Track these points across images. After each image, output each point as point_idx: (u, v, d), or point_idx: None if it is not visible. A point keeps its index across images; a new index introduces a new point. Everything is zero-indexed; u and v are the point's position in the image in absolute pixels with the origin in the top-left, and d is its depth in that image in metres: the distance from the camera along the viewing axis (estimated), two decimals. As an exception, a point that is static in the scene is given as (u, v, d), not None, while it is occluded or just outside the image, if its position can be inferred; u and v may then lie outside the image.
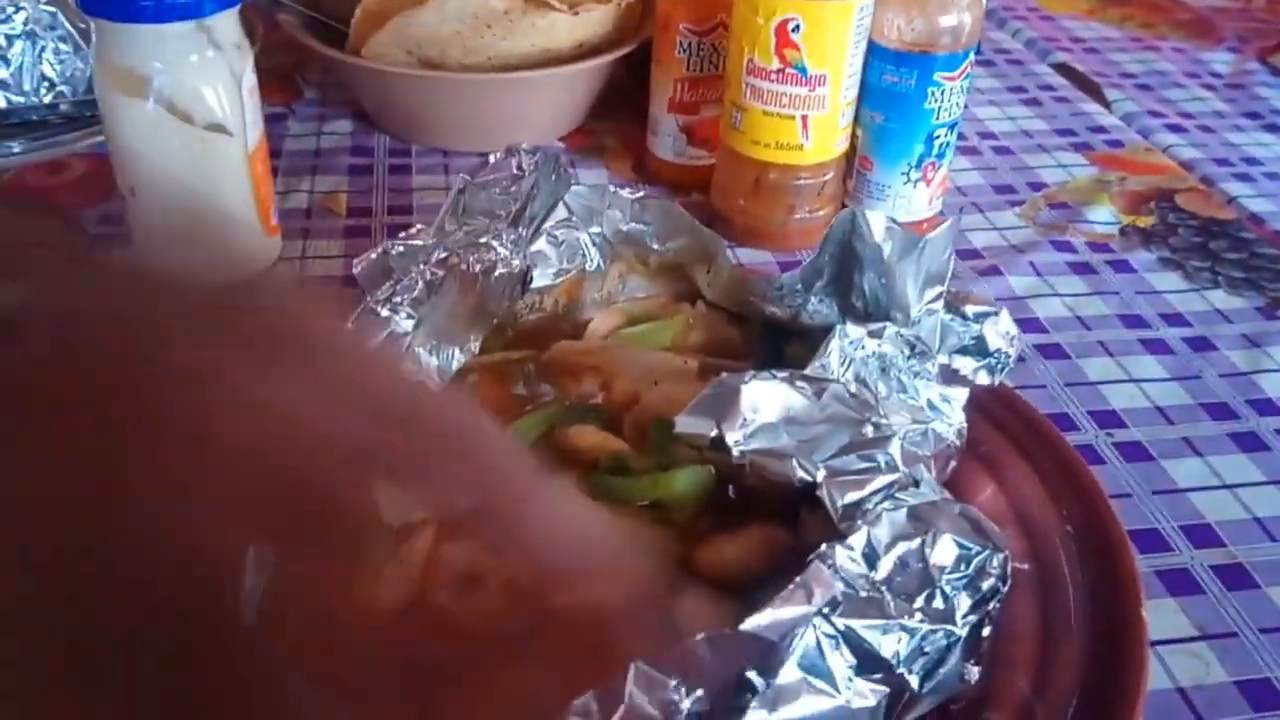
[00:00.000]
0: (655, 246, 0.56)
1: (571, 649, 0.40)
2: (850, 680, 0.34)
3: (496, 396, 0.51)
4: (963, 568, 0.37)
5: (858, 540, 0.36)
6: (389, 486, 0.44)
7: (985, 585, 0.37)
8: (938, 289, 0.46)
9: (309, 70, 0.94)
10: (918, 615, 0.35)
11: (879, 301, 0.47)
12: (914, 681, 0.35)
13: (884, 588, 0.35)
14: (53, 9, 0.81)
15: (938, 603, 0.36)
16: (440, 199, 0.79)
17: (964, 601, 0.37)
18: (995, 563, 0.37)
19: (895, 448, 0.40)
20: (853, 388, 0.41)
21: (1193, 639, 0.47)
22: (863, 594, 0.35)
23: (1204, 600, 0.49)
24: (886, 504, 0.37)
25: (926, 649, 0.36)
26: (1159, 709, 0.44)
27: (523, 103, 0.82)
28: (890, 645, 0.35)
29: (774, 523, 0.45)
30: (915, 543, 0.36)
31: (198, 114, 0.60)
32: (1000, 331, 0.45)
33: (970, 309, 0.46)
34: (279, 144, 0.84)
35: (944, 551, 0.36)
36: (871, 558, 0.36)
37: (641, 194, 0.55)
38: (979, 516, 0.38)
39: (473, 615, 0.40)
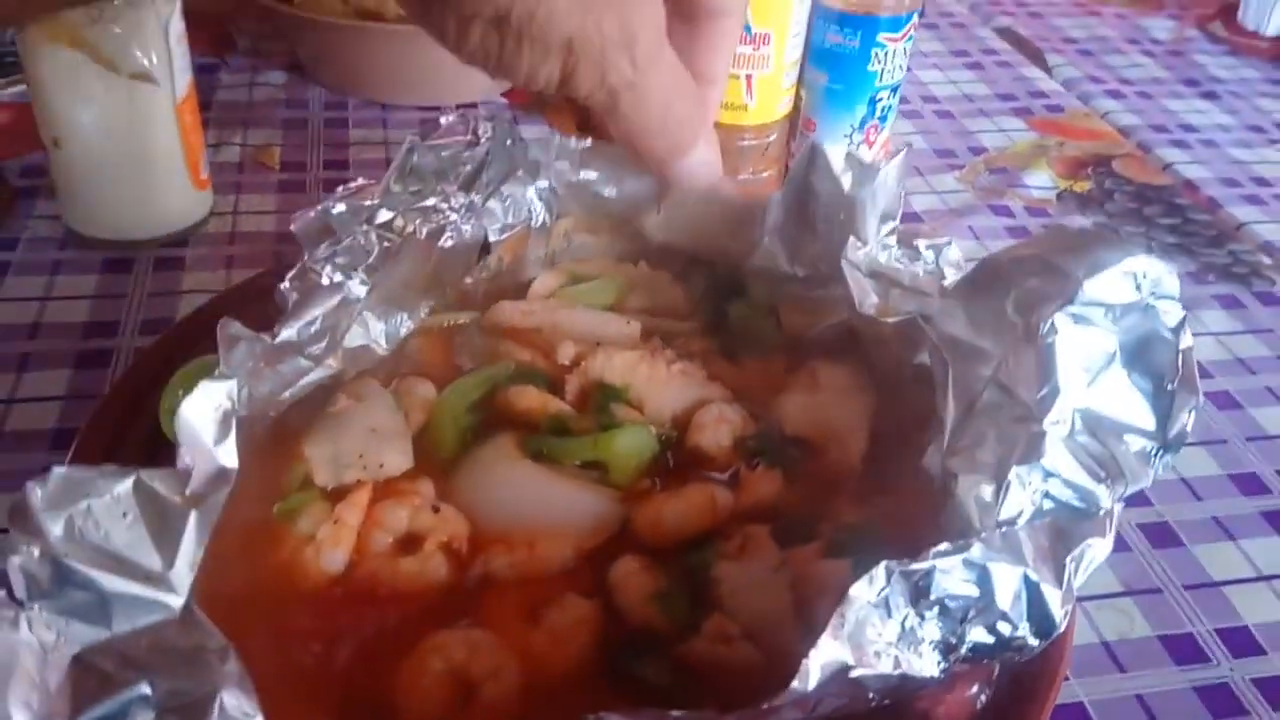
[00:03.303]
0: (606, 193, 0.55)
1: (510, 611, 0.40)
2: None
3: (440, 359, 0.51)
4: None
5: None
6: (320, 444, 0.44)
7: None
8: (891, 224, 0.46)
9: (242, 20, 0.91)
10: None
11: (831, 240, 0.47)
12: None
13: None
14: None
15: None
16: (378, 154, 0.78)
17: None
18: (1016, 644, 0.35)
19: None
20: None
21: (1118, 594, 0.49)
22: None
23: (1131, 557, 0.50)
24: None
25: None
26: (1085, 663, 0.45)
27: (464, 57, 0.80)
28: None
29: (714, 483, 0.45)
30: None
31: (122, 62, 0.58)
32: (951, 261, 0.46)
33: (920, 242, 0.46)
34: (209, 96, 0.81)
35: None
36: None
37: (589, 143, 0.54)
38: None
39: (410, 577, 0.40)
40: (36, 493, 0.30)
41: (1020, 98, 0.94)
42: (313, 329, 0.43)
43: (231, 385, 0.37)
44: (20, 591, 0.28)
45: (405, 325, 0.50)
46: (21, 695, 0.27)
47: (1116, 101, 0.95)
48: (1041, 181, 0.81)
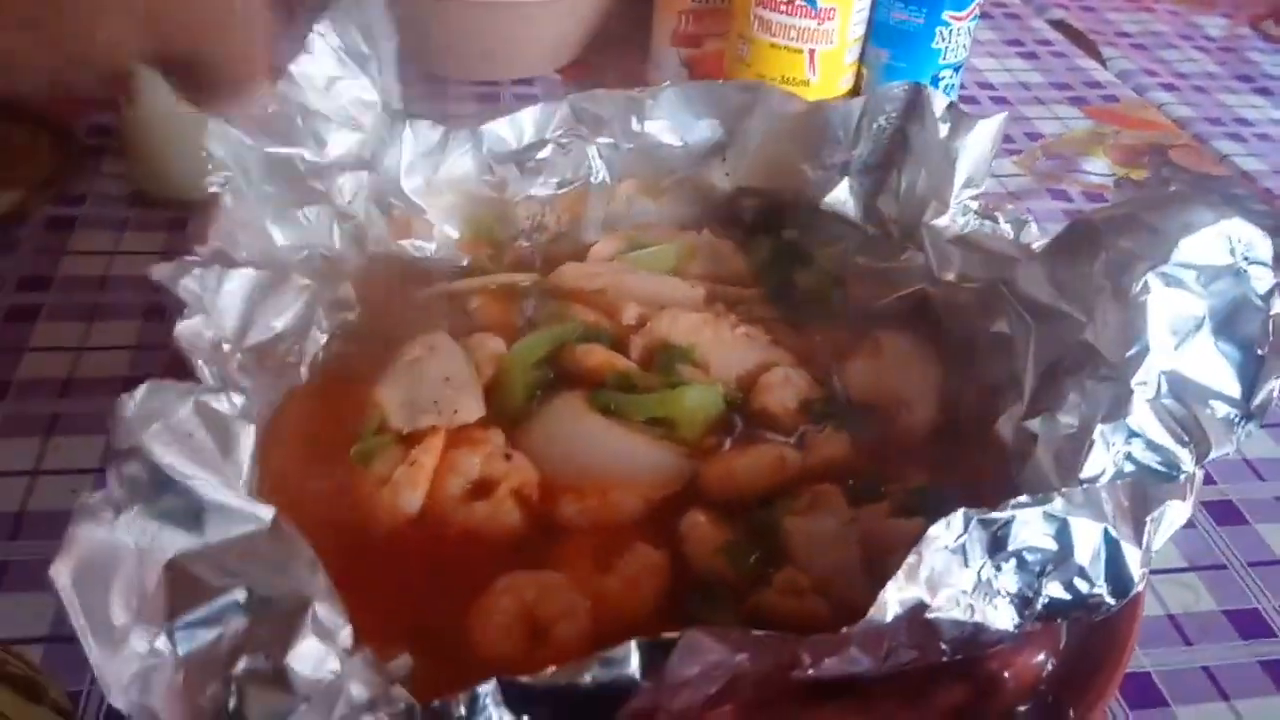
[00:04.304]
0: (671, 143, 0.54)
1: (581, 557, 0.40)
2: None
3: (502, 318, 0.51)
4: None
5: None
6: (394, 390, 0.44)
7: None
8: (974, 190, 0.46)
9: (301, -8, 0.92)
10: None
11: (912, 198, 0.47)
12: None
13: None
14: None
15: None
16: (435, 130, 0.78)
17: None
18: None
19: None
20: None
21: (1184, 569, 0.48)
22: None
23: (1195, 534, 0.50)
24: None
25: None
26: (1151, 634, 0.45)
27: (518, 31, 0.81)
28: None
29: (784, 444, 0.45)
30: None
31: (197, 20, 0.59)
32: (1031, 237, 0.46)
33: (1000, 215, 0.46)
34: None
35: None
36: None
37: (655, 94, 0.53)
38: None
39: (483, 520, 0.40)
40: (129, 405, 0.31)
41: (1075, 87, 0.93)
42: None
43: (201, 319, 0.37)
44: (119, 495, 0.29)
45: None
46: (122, 596, 0.27)
47: (1171, 94, 0.95)
48: (1099, 168, 0.80)
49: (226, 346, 0.38)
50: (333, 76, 0.48)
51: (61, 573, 0.26)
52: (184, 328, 0.36)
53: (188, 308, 0.37)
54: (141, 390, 0.30)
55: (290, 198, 0.46)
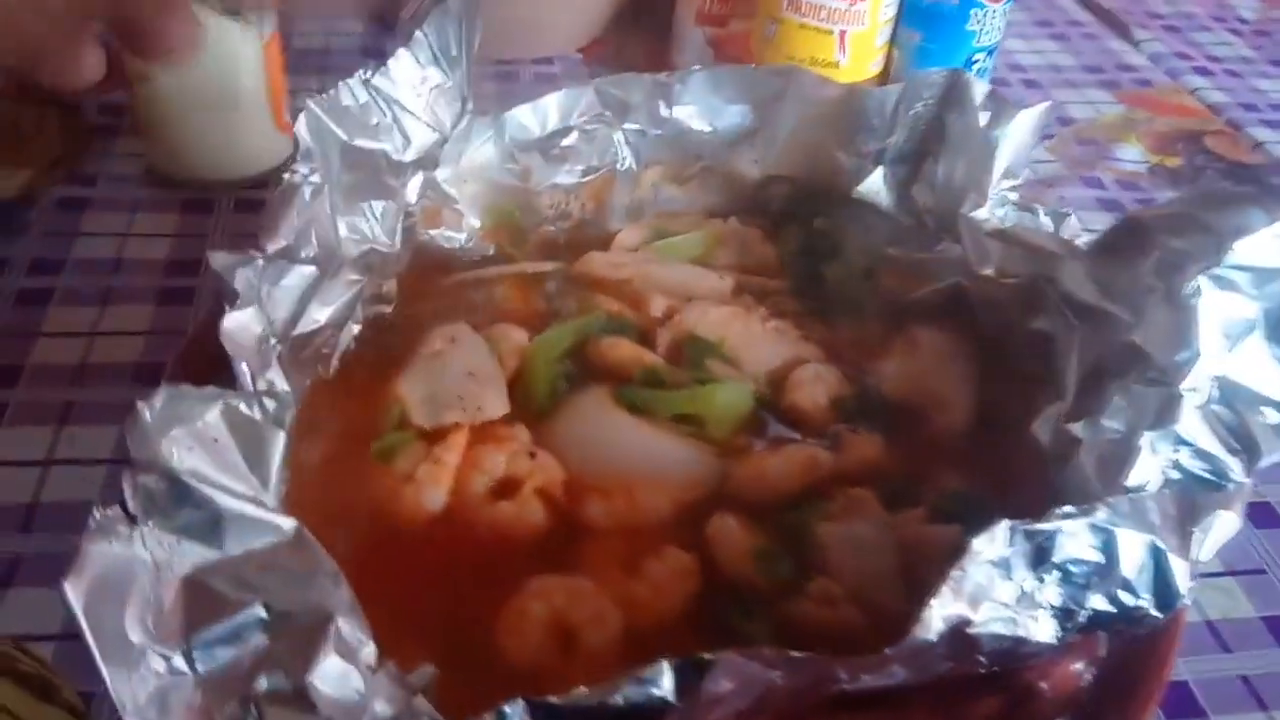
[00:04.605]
0: (699, 128, 0.53)
1: (608, 560, 0.39)
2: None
3: (526, 306, 0.50)
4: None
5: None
6: (416, 385, 0.43)
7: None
8: (1013, 181, 0.45)
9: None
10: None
11: (949, 188, 0.45)
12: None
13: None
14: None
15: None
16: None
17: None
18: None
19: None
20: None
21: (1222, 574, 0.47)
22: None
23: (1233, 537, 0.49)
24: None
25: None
26: (1190, 642, 0.44)
27: (539, 11, 0.79)
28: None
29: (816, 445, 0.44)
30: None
31: (212, -2, 0.58)
32: (1072, 230, 0.44)
33: (1040, 207, 0.45)
34: (286, 42, 0.80)
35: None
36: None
37: (683, 78, 0.52)
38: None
39: (508, 520, 0.39)
40: (146, 412, 0.30)
41: (1107, 70, 0.91)
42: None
43: (251, 312, 0.36)
44: (135, 508, 0.28)
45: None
46: (138, 613, 0.26)
47: (1205, 78, 0.92)
48: (1132, 155, 0.78)
49: (272, 340, 0.37)
50: (425, 76, 0.47)
51: (74, 589, 0.25)
52: (232, 321, 0.35)
53: (240, 299, 0.36)
54: (160, 396, 0.29)
55: (363, 192, 0.45)
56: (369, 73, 0.45)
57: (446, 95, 0.48)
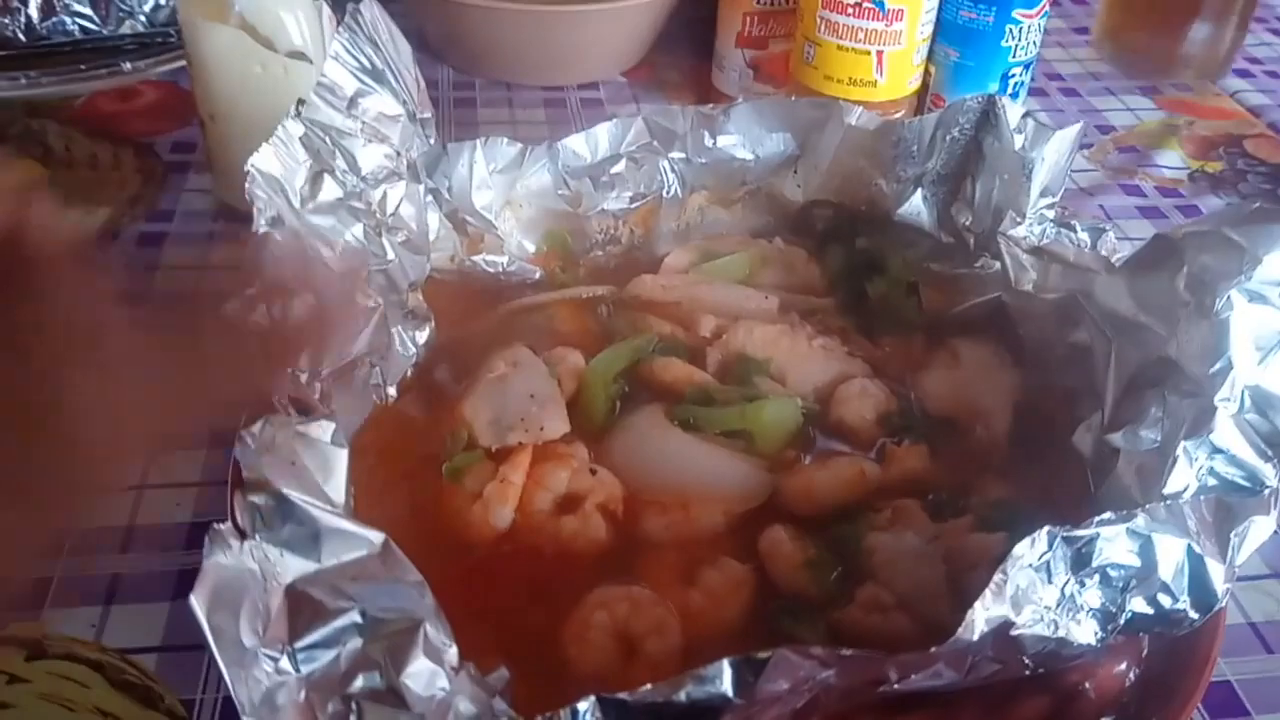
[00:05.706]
0: (743, 157, 0.55)
1: (667, 572, 0.41)
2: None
3: (577, 330, 0.52)
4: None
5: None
6: (481, 408, 0.45)
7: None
8: (1050, 199, 0.47)
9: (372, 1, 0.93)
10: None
11: (988, 208, 0.47)
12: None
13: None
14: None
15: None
16: (505, 132, 0.79)
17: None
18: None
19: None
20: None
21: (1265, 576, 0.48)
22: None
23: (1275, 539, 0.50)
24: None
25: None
26: (1233, 643, 0.45)
27: (585, 36, 0.82)
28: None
29: (861, 457, 0.46)
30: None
31: (279, 40, 0.61)
32: (1109, 246, 0.46)
33: (1077, 223, 0.47)
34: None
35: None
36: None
37: (727, 109, 0.54)
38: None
39: (572, 535, 0.41)
40: (250, 439, 0.32)
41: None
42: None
43: None
44: (245, 524, 0.31)
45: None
46: (249, 620, 0.29)
47: (1245, 80, 0.92)
48: (1172, 161, 0.79)
49: (303, 377, 0.39)
50: (353, 95, 0.48)
51: (200, 601, 0.28)
52: None
53: None
54: (259, 424, 0.32)
55: (336, 227, 0.46)
56: (296, 110, 0.46)
57: (384, 108, 0.49)
